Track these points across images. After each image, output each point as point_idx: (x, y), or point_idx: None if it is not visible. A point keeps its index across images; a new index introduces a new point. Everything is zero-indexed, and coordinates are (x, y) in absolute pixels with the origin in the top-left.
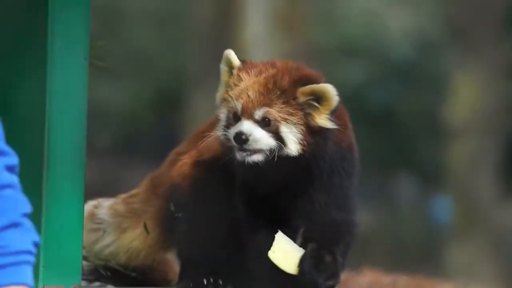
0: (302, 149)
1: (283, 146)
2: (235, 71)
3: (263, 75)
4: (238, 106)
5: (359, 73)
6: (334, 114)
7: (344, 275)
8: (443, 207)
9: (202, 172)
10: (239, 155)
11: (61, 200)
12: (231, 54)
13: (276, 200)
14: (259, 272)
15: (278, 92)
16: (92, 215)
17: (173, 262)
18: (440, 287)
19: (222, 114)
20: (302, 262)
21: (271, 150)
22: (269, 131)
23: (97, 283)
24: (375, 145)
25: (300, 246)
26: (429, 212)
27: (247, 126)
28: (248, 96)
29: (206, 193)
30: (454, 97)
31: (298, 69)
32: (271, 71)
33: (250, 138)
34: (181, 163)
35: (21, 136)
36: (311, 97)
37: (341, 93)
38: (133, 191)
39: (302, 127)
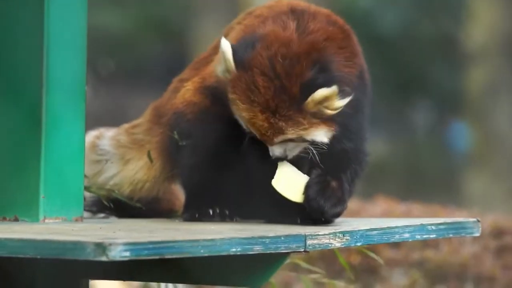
0: (332, 134)
1: (314, 142)
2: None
3: (256, 104)
4: (254, 133)
5: None
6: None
7: (357, 204)
8: (460, 134)
9: (205, 99)
10: None
11: (61, 129)
12: (226, 54)
13: None
14: (265, 202)
15: (283, 122)
16: (94, 146)
17: (179, 192)
18: (455, 215)
19: (239, 120)
20: (307, 188)
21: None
22: (296, 141)
23: (100, 215)
24: (388, 71)
25: (306, 174)
26: (445, 139)
27: (277, 151)
28: (258, 129)
29: (210, 120)
30: (471, 20)
31: (280, 79)
32: (258, 95)
33: (288, 153)
34: (184, 90)
35: (19, 64)
36: (320, 106)
37: (350, 17)
38: (136, 121)
39: (323, 125)
